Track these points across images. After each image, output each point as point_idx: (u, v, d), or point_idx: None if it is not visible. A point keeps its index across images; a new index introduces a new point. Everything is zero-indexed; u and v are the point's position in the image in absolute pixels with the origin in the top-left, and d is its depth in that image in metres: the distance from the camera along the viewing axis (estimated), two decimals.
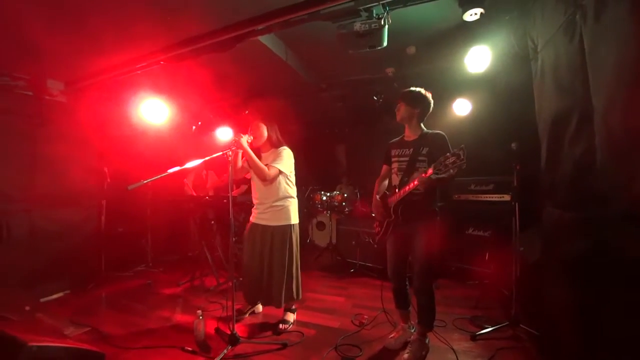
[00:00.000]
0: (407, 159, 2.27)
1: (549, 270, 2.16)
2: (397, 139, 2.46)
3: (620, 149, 1.34)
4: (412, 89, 2.32)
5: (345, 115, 5.25)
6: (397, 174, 2.32)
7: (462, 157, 1.83)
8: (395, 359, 2.23)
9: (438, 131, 2.28)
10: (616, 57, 1.35)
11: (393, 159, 2.38)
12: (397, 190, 2.24)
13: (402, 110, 2.30)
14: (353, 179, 5.64)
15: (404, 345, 2.32)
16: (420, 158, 2.21)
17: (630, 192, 1.27)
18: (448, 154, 1.88)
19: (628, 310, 1.29)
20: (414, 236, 2.21)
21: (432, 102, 2.31)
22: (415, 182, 2.04)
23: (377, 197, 2.40)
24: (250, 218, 2.79)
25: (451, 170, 1.88)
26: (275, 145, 2.70)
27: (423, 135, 2.29)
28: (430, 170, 1.94)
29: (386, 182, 2.50)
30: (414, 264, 2.22)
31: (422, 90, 2.29)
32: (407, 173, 2.22)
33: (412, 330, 2.41)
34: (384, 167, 2.51)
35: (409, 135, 2.36)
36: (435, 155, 2.04)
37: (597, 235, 1.51)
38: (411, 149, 2.26)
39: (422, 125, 2.34)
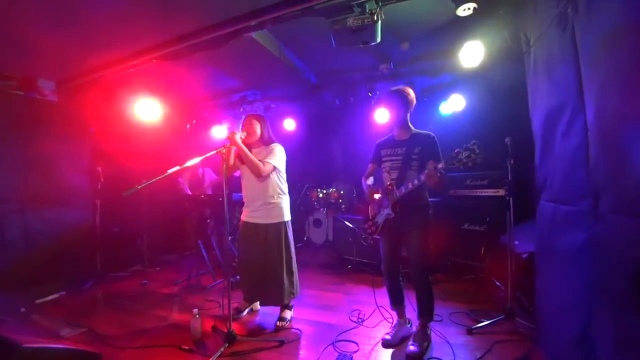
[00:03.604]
0: (400, 158, 2.29)
1: (543, 263, 2.18)
2: (385, 138, 2.47)
3: (612, 142, 1.35)
4: (397, 89, 2.31)
5: (340, 112, 5.24)
6: (389, 173, 2.33)
7: (477, 151, 1.88)
8: (391, 353, 2.25)
9: (428, 132, 2.31)
10: (608, 50, 1.35)
11: (384, 159, 2.39)
12: (394, 188, 2.25)
13: (394, 114, 2.31)
14: (349, 175, 5.64)
15: (402, 340, 2.33)
16: (413, 157, 2.23)
17: (623, 185, 1.28)
18: (459, 149, 1.92)
19: (622, 302, 1.30)
20: (409, 231, 2.24)
21: (415, 98, 2.33)
22: (422, 177, 2.05)
23: (372, 194, 2.41)
24: (242, 217, 2.77)
25: (469, 164, 1.91)
26: (266, 142, 2.69)
27: (414, 135, 2.32)
28: (441, 165, 1.97)
29: (371, 179, 2.51)
30: (411, 258, 2.24)
31: (406, 89, 2.30)
32: (402, 172, 2.25)
33: (408, 325, 2.43)
34: (371, 165, 2.52)
35: (400, 134, 2.37)
36: (426, 155, 2.11)
37: (590, 228, 1.52)
38: (404, 149, 2.28)
39: (410, 123, 2.35)
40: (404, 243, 2.31)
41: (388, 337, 2.35)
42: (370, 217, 2.45)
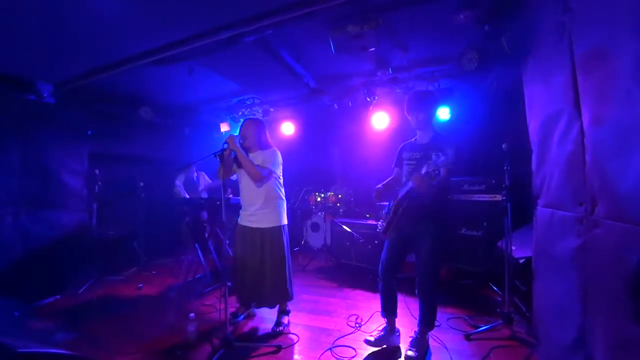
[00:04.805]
0: (415, 162, 2.26)
1: (540, 268, 2.19)
2: (410, 141, 2.45)
3: (608, 149, 1.36)
4: (423, 92, 2.32)
5: (339, 116, 5.27)
6: (406, 177, 2.31)
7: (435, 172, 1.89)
8: (388, 359, 2.24)
9: (451, 137, 2.26)
10: (604, 59, 1.37)
11: (405, 162, 2.36)
12: (381, 193, 2.28)
13: (420, 118, 2.27)
14: (347, 179, 5.65)
15: (380, 343, 2.30)
16: (429, 162, 2.15)
17: (618, 192, 1.29)
18: (440, 153, 1.90)
19: (617, 307, 1.30)
20: (420, 237, 2.20)
21: (440, 98, 2.30)
22: (410, 183, 2.04)
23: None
24: (239, 220, 2.77)
25: (441, 170, 1.91)
26: (263, 146, 2.69)
27: (434, 138, 2.28)
28: (424, 170, 1.94)
29: (395, 183, 2.48)
30: (420, 265, 2.21)
31: (430, 90, 2.29)
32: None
33: (397, 334, 2.40)
34: (395, 169, 2.50)
35: (422, 138, 2.35)
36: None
37: (586, 233, 1.53)
38: (421, 153, 2.26)
39: (433, 126, 2.33)
40: (413, 249, 2.26)
41: (371, 338, 2.31)
42: (381, 216, 2.44)
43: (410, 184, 2.07)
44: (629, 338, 1.24)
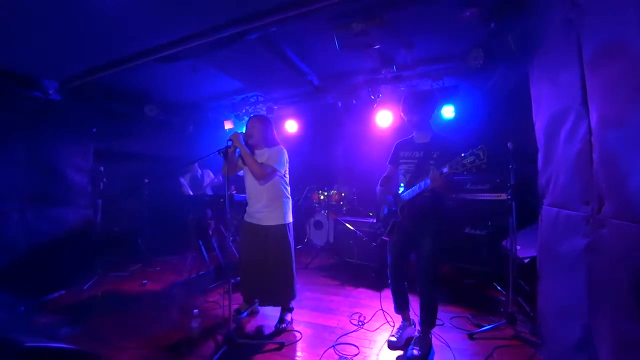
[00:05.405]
0: (416, 161, 2.24)
1: (545, 268, 2.18)
2: (405, 139, 2.43)
3: (616, 148, 1.35)
4: (417, 93, 2.30)
5: (342, 114, 5.25)
6: (404, 176, 2.29)
7: (482, 156, 1.74)
8: (390, 357, 2.24)
9: (451, 137, 2.24)
10: (612, 57, 1.35)
11: (402, 161, 2.34)
12: (405, 191, 2.22)
13: (415, 120, 2.25)
14: (350, 177, 5.63)
15: (407, 341, 2.33)
16: (431, 162, 2.16)
17: (625, 191, 1.27)
18: (465, 153, 1.81)
19: (623, 307, 1.29)
20: (422, 235, 2.19)
21: (439, 98, 2.28)
22: (428, 181, 1.98)
23: (384, 196, 2.39)
24: (245, 217, 2.77)
25: (473, 170, 1.79)
26: (269, 143, 2.68)
27: (434, 138, 2.26)
28: (445, 169, 1.89)
29: (390, 181, 2.46)
30: (420, 264, 2.21)
31: (426, 91, 2.27)
32: (416, 176, 2.18)
33: (412, 326, 2.43)
34: (390, 167, 2.47)
35: (419, 137, 2.32)
36: (443, 160, 2.01)
37: (592, 233, 1.51)
38: (422, 152, 2.23)
39: (431, 126, 2.31)
40: (414, 247, 2.26)
41: (394, 338, 2.35)
42: (380, 219, 2.43)
43: (425, 183, 2.01)
44: (635, 339, 1.22)
